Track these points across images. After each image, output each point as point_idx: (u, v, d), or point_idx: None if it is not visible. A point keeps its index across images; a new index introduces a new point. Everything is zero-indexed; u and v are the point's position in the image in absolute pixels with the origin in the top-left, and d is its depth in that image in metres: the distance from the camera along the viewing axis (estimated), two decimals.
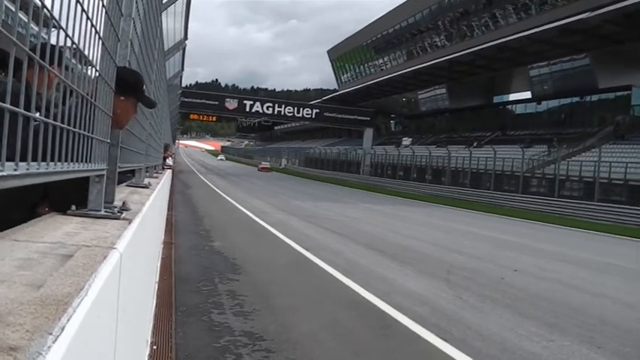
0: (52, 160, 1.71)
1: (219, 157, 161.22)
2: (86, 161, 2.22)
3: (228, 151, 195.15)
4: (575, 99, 53.80)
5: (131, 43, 3.37)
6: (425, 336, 7.45)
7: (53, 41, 1.70)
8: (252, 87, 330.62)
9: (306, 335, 7.12)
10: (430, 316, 8.52)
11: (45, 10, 1.43)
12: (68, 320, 1.09)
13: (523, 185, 44.00)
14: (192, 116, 79.25)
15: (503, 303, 9.85)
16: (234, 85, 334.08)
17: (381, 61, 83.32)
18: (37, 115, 1.56)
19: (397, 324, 7.99)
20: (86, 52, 1.98)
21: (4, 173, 1.26)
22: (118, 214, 2.70)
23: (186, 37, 26.72)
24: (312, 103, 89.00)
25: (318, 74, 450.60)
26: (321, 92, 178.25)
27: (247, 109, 73.69)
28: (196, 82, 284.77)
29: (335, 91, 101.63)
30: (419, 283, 11.04)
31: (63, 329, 1.03)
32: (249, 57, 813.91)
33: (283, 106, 75.73)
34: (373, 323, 7.99)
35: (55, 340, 0.98)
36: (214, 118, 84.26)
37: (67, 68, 1.86)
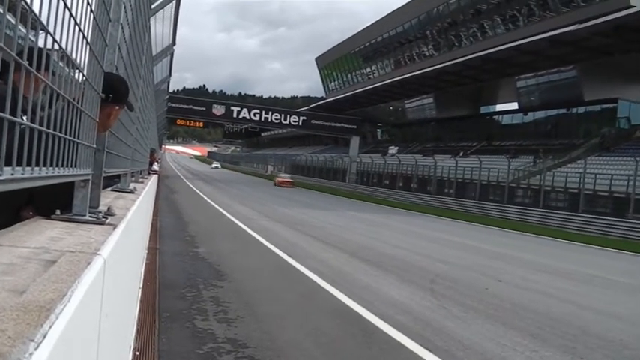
0: (37, 165, 1.70)
1: (213, 165, 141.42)
2: (72, 166, 2.21)
3: (215, 157, 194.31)
4: (562, 110, 54.01)
5: (119, 49, 3.37)
6: (408, 345, 7.45)
7: (41, 45, 1.70)
8: (240, 93, 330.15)
9: (290, 343, 7.12)
10: (413, 325, 8.53)
11: (33, 14, 1.43)
12: (50, 327, 1.08)
13: (508, 196, 44.13)
14: (178, 122, 78.91)
15: (487, 313, 9.88)
16: (221, 90, 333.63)
17: (368, 69, 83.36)
18: (24, 119, 1.56)
19: (380, 332, 8.00)
20: (74, 57, 1.97)
21: None
22: (103, 219, 2.69)
23: (174, 43, 26.66)
24: (299, 110, 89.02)
25: (306, 82, 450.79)
26: (308, 100, 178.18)
27: (234, 116, 73.58)
28: (184, 88, 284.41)
29: (322, 98, 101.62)
30: (403, 292, 11.06)
31: (45, 336, 1.03)
32: (238, 63, 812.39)
33: (270, 112, 75.68)
34: (357, 332, 7.99)
35: (37, 346, 0.98)
36: (201, 124, 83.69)
37: (54, 73, 1.86)
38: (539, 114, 57.34)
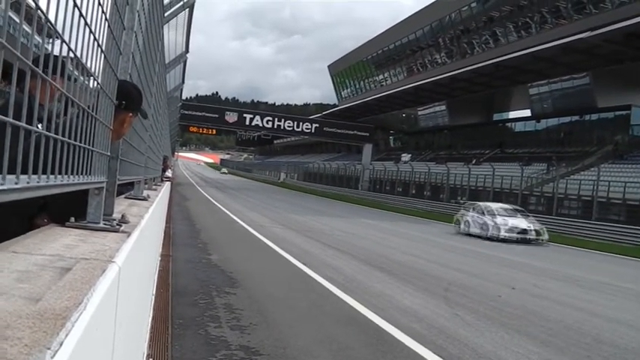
0: (52, 172, 1.71)
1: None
2: (86, 174, 2.21)
3: (228, 165, 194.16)
4: (575, 118, 53.85)
5: (132, 56, 3.38)
6: (422, 353, 7.43)
7: (56, 53, 1.70)
8: (253, 100, 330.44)
9: (303, 350, 7.11)
10: (427, 332, 8.50)
11: (48, 22, 1.44)
12: (67, 335, 1.08)
13: (521, 203, 43.91)
14: (191, 129, 79.18)
15: (500, 321, 9.84)
16: (234, 98, 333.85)
17: (381, 77, 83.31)
18: (40, 127, 1.56)
19: (394, 340, 7.98)
20: (88, 65, 1.98)
21: (5, 187, 1.26)
22: (117, 226, 2.69)
23: (187, 50, 26.79)
24: (311, 117, 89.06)
25: (319, 89, 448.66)
26: (320, 107, 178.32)
27: (247, 123, 73.77)
28: (196, 95, 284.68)
29: (335, 106, 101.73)
30: (416, 300, 11.03)
31: (61, 344, 1.03)
32: (251, 71, 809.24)
33: (283, 120, 75.83)
34: (370, 339, 7.97)
35: (54, 355, 0.97)
36: (214, 131, 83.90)
37: (69, 79, 1.86)
38: (552, 121, 57.18)
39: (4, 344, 0.95)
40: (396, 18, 78.37)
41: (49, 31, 1.48)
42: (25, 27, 1.42)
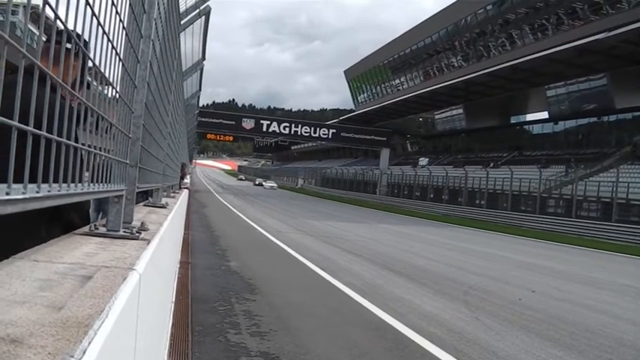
0: (73, 181, 1.71)
1: None
2: (105, 182, 2.22)
3: (246, 171, 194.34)
4: (593, 119, 53.57)
5: (150, 64, 3.39)
6: (442, 357, 7.39)
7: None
8: (269, 107, 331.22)
9: (323, 356, 7.08)
10: (447, 337, 8.46)
11: (67, 32, 1.44)
12: (89, 343, 1.09)
13: (540, 206, 43.82)
14: (208, 136, 79.38)
15: (521, 324, 9.77)
16: (251, 104, 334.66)
17: (397, 81, 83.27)
18: (73, 142, 1.56)
19: (414, 345, 7.94)
20: (107, 74, 1.99)
21: (27, 195, 1.26)
22: (137, 234, 2.70)
23: (204, 58, 26.88)
24: (328, 123, 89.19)
25: (338, 95, 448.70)
26: (337, 112, 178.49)
27: (264, 129, 73.99)
28: (213, 102, 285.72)
29: (352, 111, 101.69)
30: (436, 304, 10.98)
31: (85, 352, 1.03)
32: (270, 77, 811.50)
33: (300, 126, 75.96)
34: (390, 345, 7.93)
35: None
36: (231, 138, 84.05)
37: (88, 87, 1.87)
38: (570, 123, 56.88)
39: (28, 352, 0.95)
40: (416, 22, 78.58)
41: (68, 41, 1.49)
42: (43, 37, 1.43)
